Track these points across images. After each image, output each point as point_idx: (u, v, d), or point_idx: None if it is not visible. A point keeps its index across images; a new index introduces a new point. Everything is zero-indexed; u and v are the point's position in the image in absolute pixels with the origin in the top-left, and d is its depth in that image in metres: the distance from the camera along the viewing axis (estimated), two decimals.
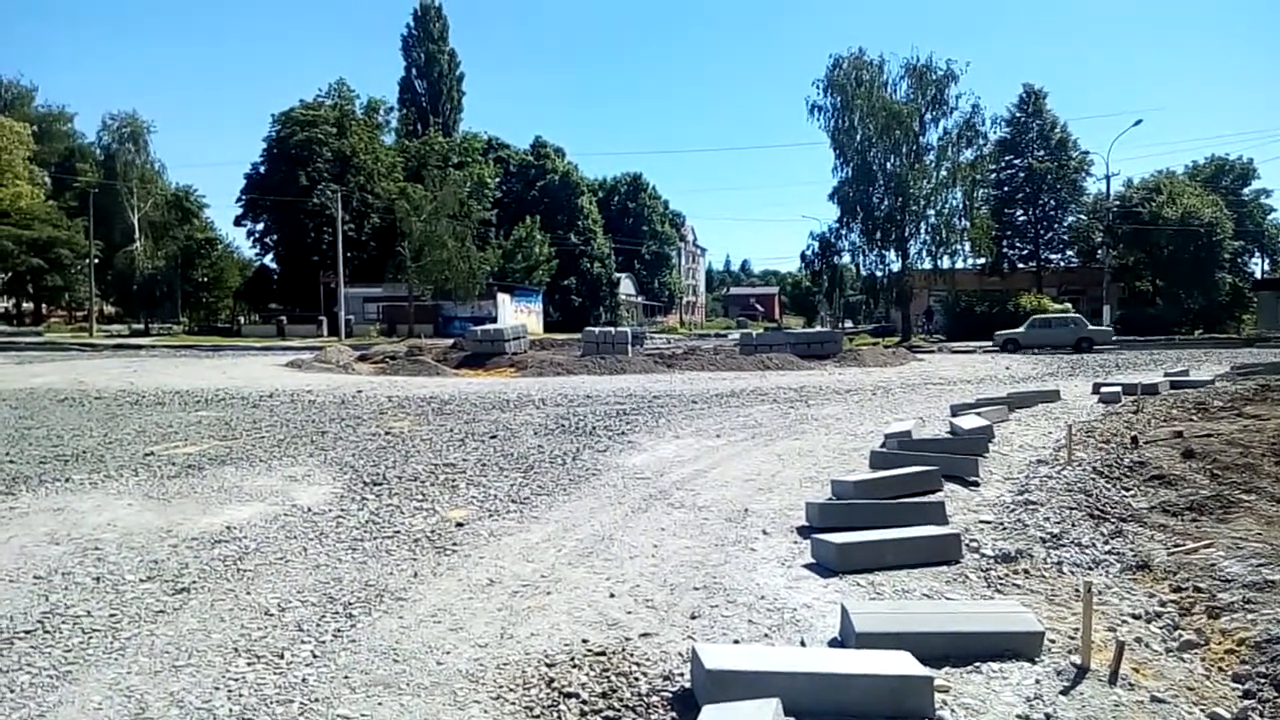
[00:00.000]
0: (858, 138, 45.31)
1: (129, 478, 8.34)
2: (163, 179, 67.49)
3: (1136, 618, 4.60)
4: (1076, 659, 3.88)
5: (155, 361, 29.41)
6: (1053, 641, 4.09)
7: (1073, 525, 6.25)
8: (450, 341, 33.84)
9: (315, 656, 4.01)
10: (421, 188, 55.88)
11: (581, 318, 70.05)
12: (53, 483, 8.12)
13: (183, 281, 60.88)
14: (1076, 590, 4.81)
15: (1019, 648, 3.93)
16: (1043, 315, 38.25)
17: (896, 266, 46.84)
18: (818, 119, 46.11)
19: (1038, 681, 3.70)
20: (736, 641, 4.14)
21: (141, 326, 58.44)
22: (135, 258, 60.33)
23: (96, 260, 56.83)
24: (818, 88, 45.80)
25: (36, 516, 6.81)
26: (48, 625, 4.45)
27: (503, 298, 59.93)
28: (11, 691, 3.67)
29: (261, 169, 65.40)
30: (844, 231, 47.66)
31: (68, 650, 4.12)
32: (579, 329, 38.80)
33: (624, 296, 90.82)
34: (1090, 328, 35.42)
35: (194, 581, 5.14)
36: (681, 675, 3.74)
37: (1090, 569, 5.36)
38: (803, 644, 4.13)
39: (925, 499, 6.86)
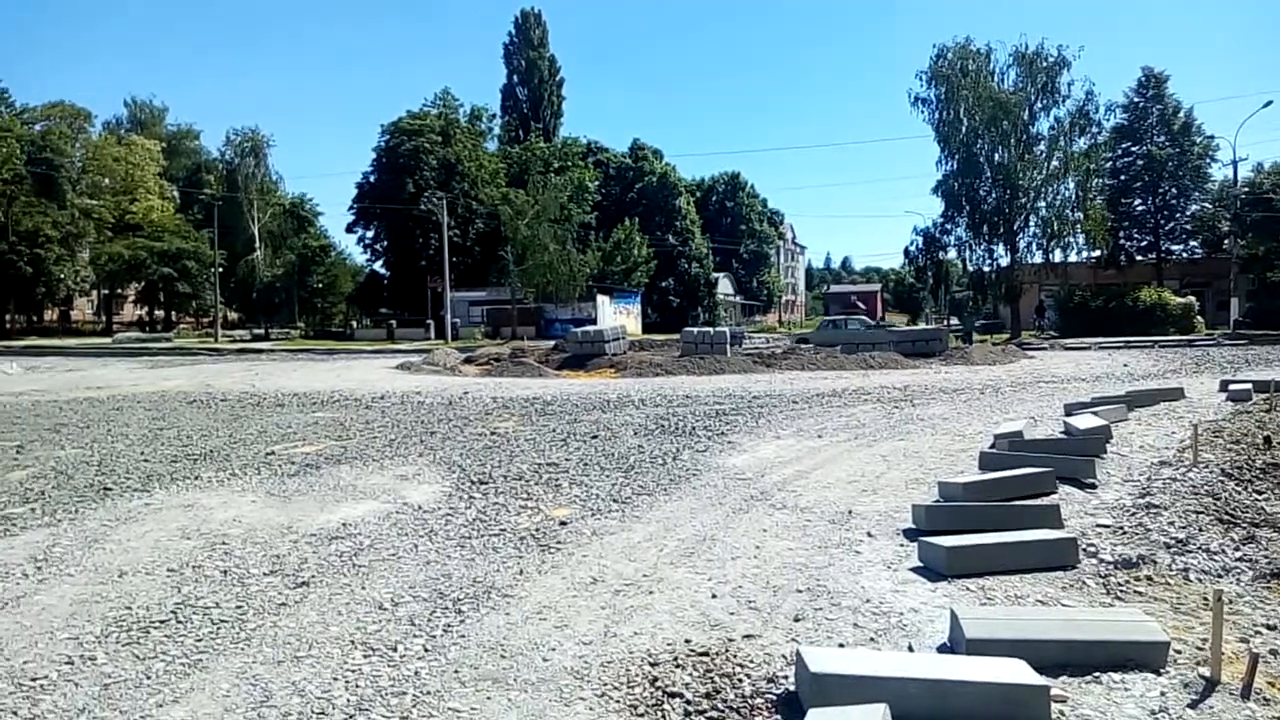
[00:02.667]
0: (963, 129, 43.95)
1: (252, 476, 8.77)
2: (280, 190, 70.67)
3: (1271, 628, 4.33)
4: (1205, 671, 3.68)
5: (274, 365, 30.82)
6: (1179, 652, 3.90)
7: (1200, 530, 5.93)
8: (552, 343, 34.36)
9: (427, 650, 4.15)
10: (524, 193, 56.95)
11: (679, 318, 70.11)
12: (183, 480, 8.61)
13: (299, 288, 63.67)
14: (1205, 599, 4.56)
15: (1142, 658, 3.76)
16: (831, 318, 40.23)
17: (1005, 261, 45.26)
18: (921, 111, 44.93)
19: (1163, 694, 3.53)
20: (841, 645, 4.09)
21: (262, 331, 61.34)
22: (256, 266, 63.40)
23: (221, 269, 59.90)
24: (921, 79, 44.65)
25: (169, 512, 7.23)
26: (180, 615, 4.72)
27: (602, 299, 60.48)
28: (148, 678, 3.91)
29: (371, 178, 67.80)
30: (949, 226, 46.29)
31: (198, 640, 4.37)
32: (677, 330, 38.80)
33: (722, 296, 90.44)
34: (879, 331, 35.62)
35: (313, 576, 5.37)
36: (786, 678, 3.71)
37: (1220, 576, 5.08)
38: (910, 649, 4.05)
39: (1038, 502, 6.62)
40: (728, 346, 26.12)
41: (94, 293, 74.65)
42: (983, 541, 5.28)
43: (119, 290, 73.37)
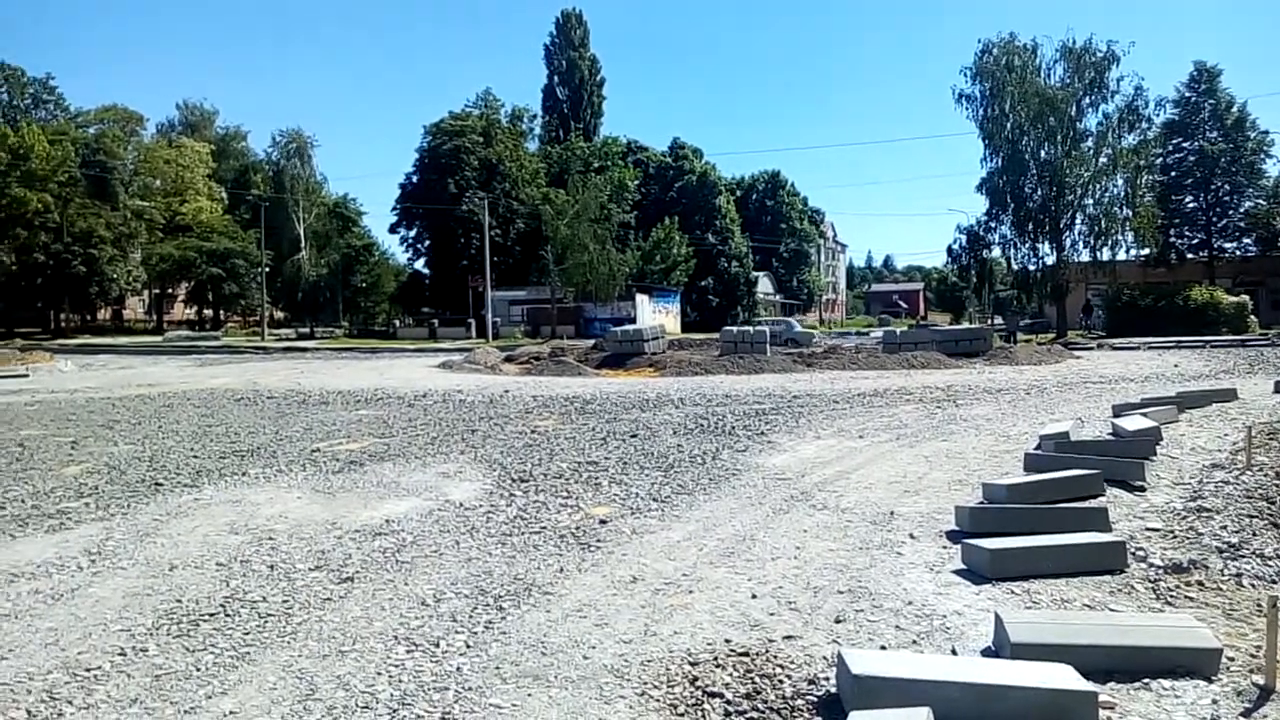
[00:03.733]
0: (1008, 126, 43.26)
1: (298, 472, 8.91)
2: (325, 191, 71.75)
3: None
4: (1259, 679, 3.60)
5: (319, 363, 31.29)
6: (1231, 659, 3.81)
7: (1254, 535, 5.78)
8: (591, 342, 34.47)
9: (468, 647, 4.18)
10: (564, 192, 57.22)
11: (719, 317, 69.87)
12: (231, 476, 8.78)
13: (343, 287, 64.54)
14: (1258, 605, 4.45)
15: (1192, 665, 3.68)
16: (761, 318, 38.40)
17: (1051, 259, 44.46)
18: (965, 108, 44.28)
19: (1214, 702, 3.45)
20: (883, 647, 4.06)
21: (307, 330, 62.31)
22: (301, 266, 64.44)
23: (267, 268, 60.94)
24: (965, 76, 44.00)
25: (218, 508, 7.38)
26: (228, 609, 4.81)
27: (641, 298, 60.53)
28: (198, 669, 4.00)
29: (414, 179, 68.56)
30: (993, 224, 45.57)
31: (246, 633, 4.45)
32: (716, 329, 38.73)
33: (762, 295, 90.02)
34: (798, 330, 36.22)
35: (357, 571, 5.45)
36: (827, 679, 3.69)
37: (1274, 582, 4.95)
38: (954, 652, 4.00)
39: (1085, 504, 6.50)
40: (767, 345, 26.00)
41: (145, 292, 76.36)
42: (1028, 544, 5.20)
43: (169, 289, 75.07)
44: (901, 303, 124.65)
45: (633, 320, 50.05)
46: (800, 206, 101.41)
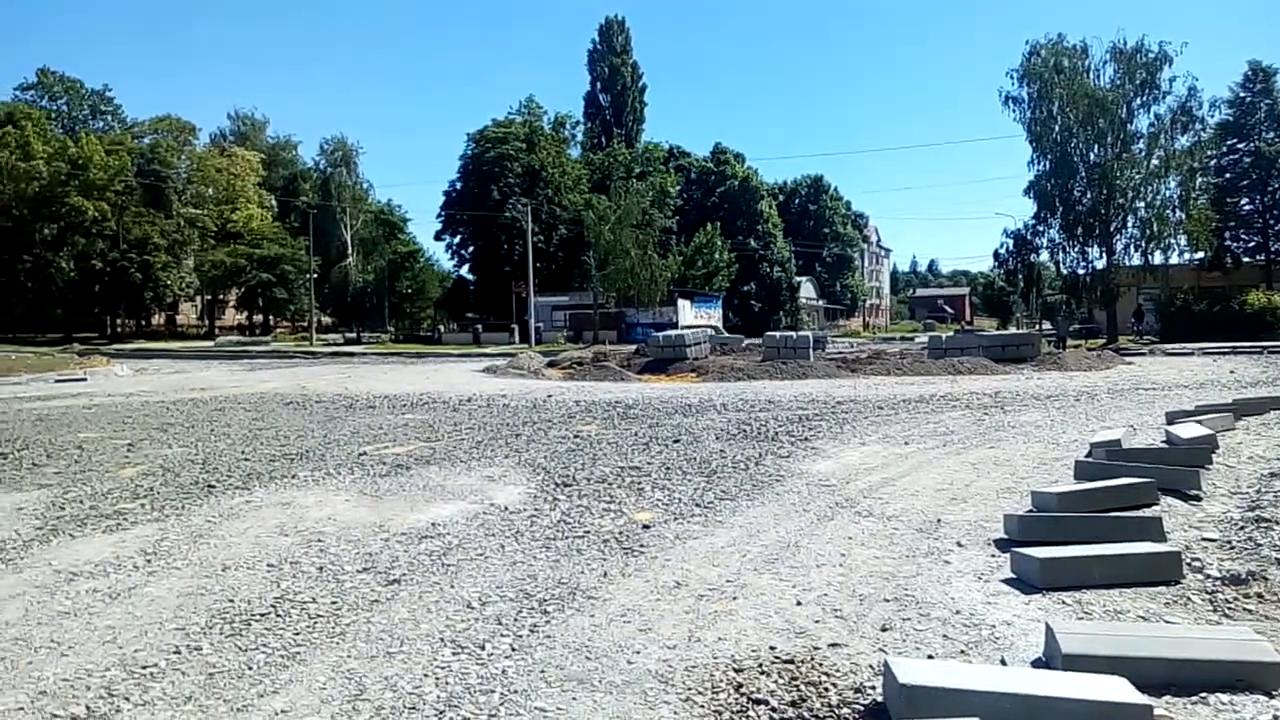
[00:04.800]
0: (1056, 128, 42.58)
1: (345, 476, 9.05)
2: (371, 198, 72.87)
3: None
4: None
5: (366, 368, 31.73)
6: None
7: None
8: (633, 347, 34.51)
9: (514, 650, 4.21)
10: (606, 198, 57.43)
11: (761, 322, 69.56)
12: (281, 479, 8.93)
13: (389, 293, 65.44)
14: None
15: (1253, 679, 3.58)
16: (690, 325, 41.20)
17: (1101, 263, 43.64)
18: (1012, 110, 43.68)
19: (1276, 717, 3.36)
20: (931, 656, 4.01)
21: (354, 335, 63.28)
22: (348, 272, 65.45)
23: (315, 275, 62.02)
24: (1012, 78, 43.42)
25: (268, 510, 7.51)
26: (279, 610, 4.90)
27: (683, 304, 60.49)
28: (250, 669, 4.07)
29: (458, 185, 69.30)
30: (1041, 228, 44.87)
31: (296, 633, 4.53)
32: (759, 334, 38.61)
33: (805, 300, 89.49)
34: (726, 335, 37.00)
35: (404, 574, 5.51)
36: (873, 688, 3.66)
37: None
38: (1003, 662, 3.94)
39: (1139, 513, 6.37)
40: (810, 351, 25.83)
41: (198, 298, 78.16)
42: (1079, 554, 5.10)
43: (221, 295, 76.73)
44: (947, 308, 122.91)
45: (675, 325, 50.07)
46: (843, 211, 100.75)
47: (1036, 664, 3.90)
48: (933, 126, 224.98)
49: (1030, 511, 6.52)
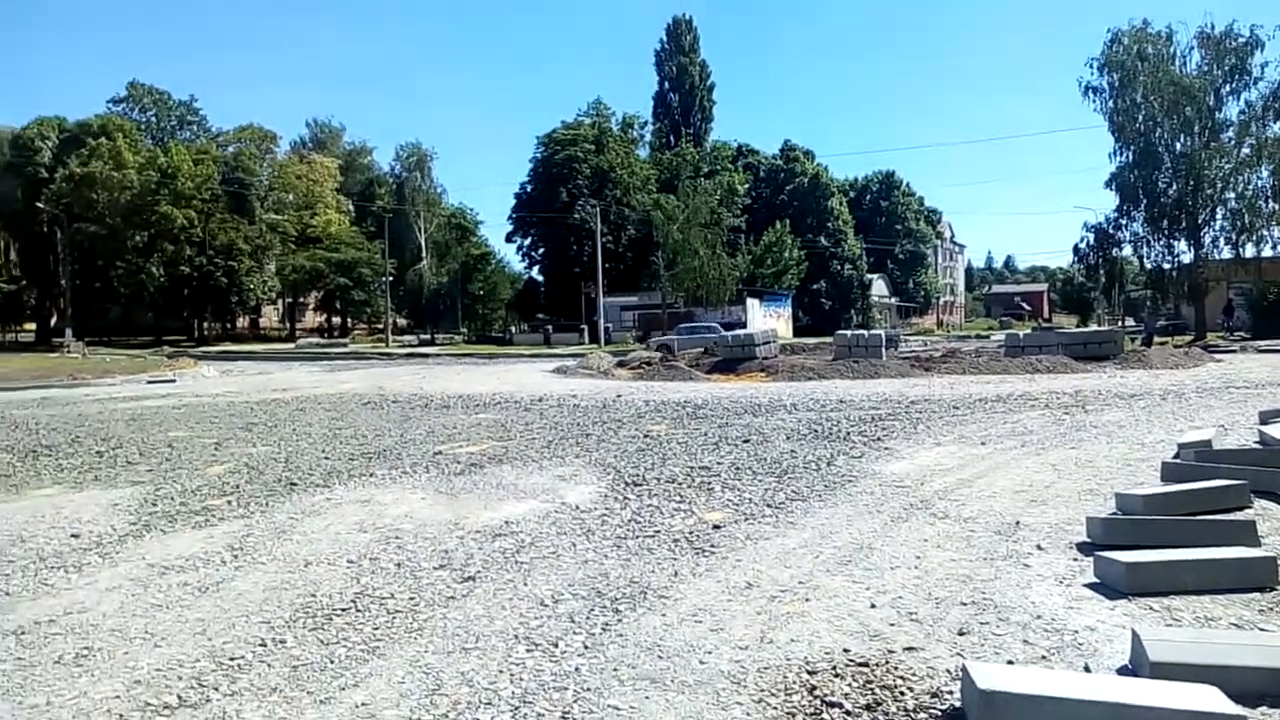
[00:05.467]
0: (1140, 118, 41.16)
1: (421, 474, 9.24)
2: (444, 202, 74.23)
3: None
4: None
5: (440, 368, 32.32)
6: None
7: None
8: (702, 347, 34.45)
9: (586, 648, 4.25)
10: (674, 198, 57.48)
11: (831, 321, 68.86)
12: (360, 477, 9.16)
13: (462, 295, 66.58)
14: None
15: None
16: (689, 323, 42.26)
17: (1188, 257, 42.04)
18: (1093, 101, 42.37)
19: None
20: (1010, 662, 3.91)
21: (428, 336, 64.56)
22: (423, 274, 66.82)
23: (391, 278, 63.44)
24: (1092, 67, 42.10)
25: (348, 507, 7.71)
26: (359, 605, 5.03)
27: (752, 303, 60.22)
28: (332, 662, 4.19)
29: (528, 188, 70.24)
30: (1124, 221, 43.43)
31: (375, 628, 4.64)
32: (829, 333, 38.29)
33: (876, 298, 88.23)
34: (729, 335, 36.08)
35: (479, 571, 5.61)
36: (951, 693, 3.59)
37: None
38: (1087, 669, 3.82)
39: (1230, 517, 6.11)
40: (883, 349, 25.43)
41: (279, 301, 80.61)
42: (1167, 558, 4.93)
43: (301, 298, 79.02)
44: (1024, 305, 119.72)
45: (743, 325, 49.84)
46: (916, 207, 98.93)
47: (1122, 672, 3.77)
48: (1008, 119, 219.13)
49: (1114, 514, 6.31)
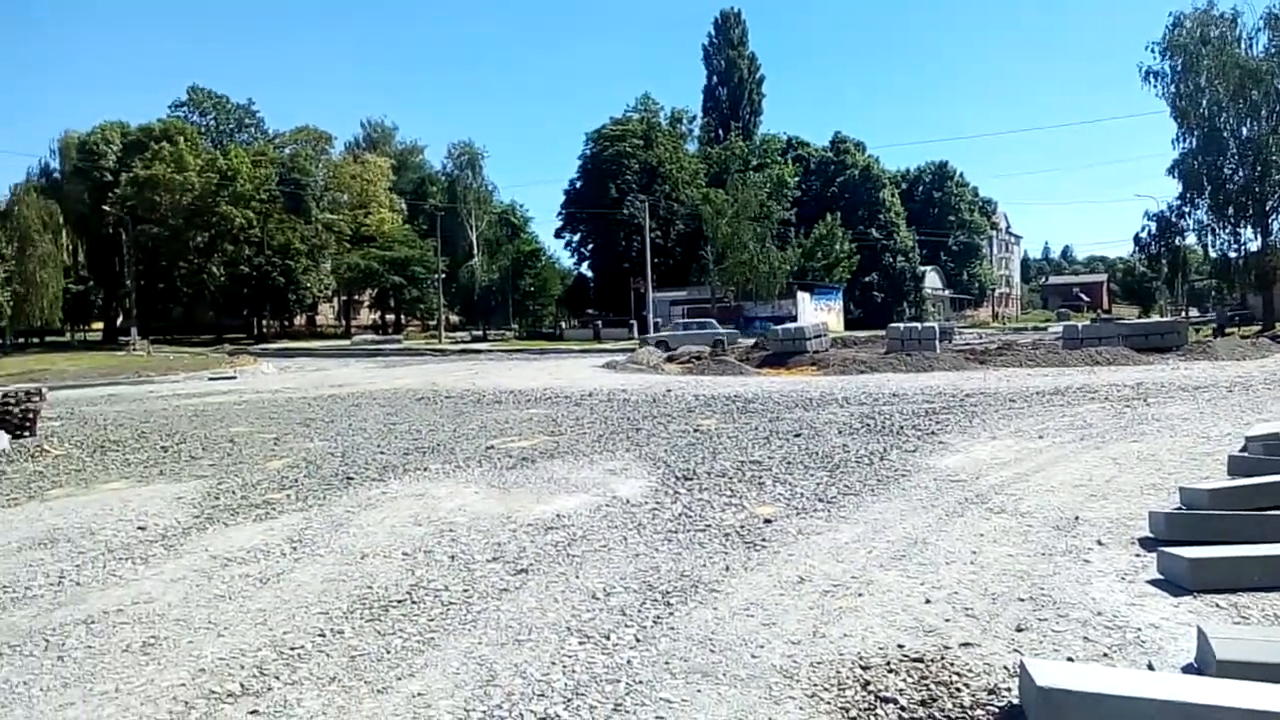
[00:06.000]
0: (1204, 103, 39.88)
1: (474, 468, 9.35)
2: (495, 199, 74.88)
3: None
4: None
5: (492, 364, 32.65)
6: None
7: None
8: (752, 341, 34.32)
9: (638, 641, 4.26)
10: (723, 192, 57.25)
11: (883, 314, 67.97)
12: (414, 471, 9.30)
13: (513, 291, 67.09)
14: None
15: None
16: (685, 320, 41.87)
17: (1255, 245, 40.64)
18: (1154, 86, 41.15)
19: None
20: (1070, 659, 3.83)
21: (480, 333, 65.19)
22: (474, 271, 67.48)
23: (443, 275, 64.20)
24: (1153, 51, 40.92)
25: (403, 501, 7.84)
26: (414, 596, 5.10)
27: (802, 296, 59.77)
28: (388, 653, 4.26)
29: (577, 184, 70.57)
30: (1187, 209, 42.15)
31: (430, 619, 4.71)
32: (881, 326, 37.84)
33: (929, 291, 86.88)
34: (723, 331, 38.05)
35: (531, 564, 5.66)
36: (1008, 690, 3.53)
37: None
38: (1150, 668, 3.73)
39: None
40: (936, 342, 25.07)
41: (335, 299, 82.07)
42: (1233, 554, 4.78)
43: (356, 296, 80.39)
44: (1082, 296, 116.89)
45: (794, 318, 49.52)
46: (970, 197, 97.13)
47: (1187, 670, 3.68)
48: (1064, 107, 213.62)
49: (1179, 509, 6.14)
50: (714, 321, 41.10)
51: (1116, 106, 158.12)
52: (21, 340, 56.34)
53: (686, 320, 42.33)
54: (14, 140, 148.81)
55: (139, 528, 7.19)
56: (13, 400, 12.91)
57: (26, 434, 12.79)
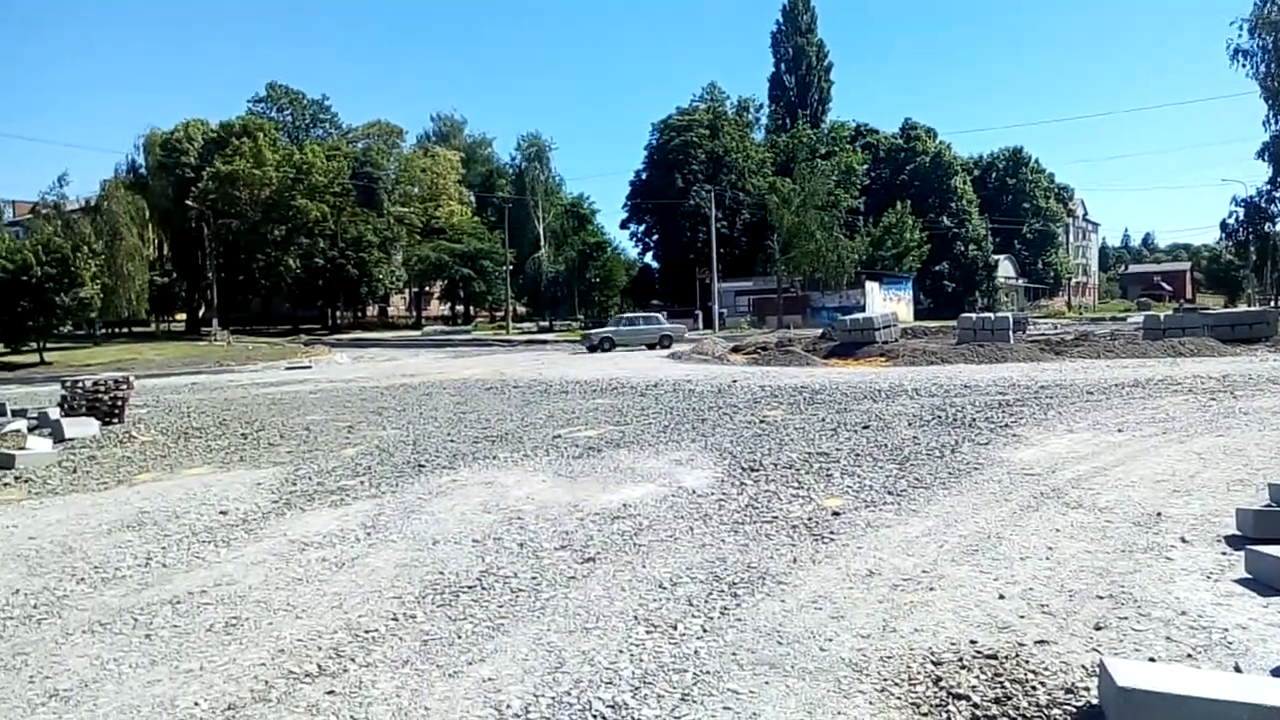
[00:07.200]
0: None
1: (542, 457, 9.45)
2: (562, 191, 75.36)
3: None
4: None
5: (558, 354, 32.93)
6: None
7: None
8: (819, 331, 33.97)
9: (705, 631, 4.27)
10: (790, 181, 56.66)
11: (955, 304, 66.62)
12: (484, 459, 9.45)
13: (579, 282, 67.50)
14: None
15: None
16: (630, 314, 40.82)
17: None
18: (1242, 64, 39.47)
19: None
20: (1152, 659, 3.72)
21: (547, 324, 65.77)
22: (541, 263, 68.11)
23: (510, 267, 64.92)
24: (1240, 28, 39.22)
25: (472, 489, 7.97)
26: (484, 583, 5.19)
27: (871, 286, 58.86)
28: (459, 637, 4.35)
29: (643, 175, 70.62)
30: (1278, 194, 40.38)
31: (500, 606, 4.79)
32: (952, 316, 37.03)
33: (1002, 280, 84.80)
34: (668, 326, 37.37)
35: (598, 553, 5.70)
36: (1087, 690, 3.44)
37: None
38: (1237, 669, 3.60)
39: None
40: (1010, 333, 24.45)
41: (406, 290, 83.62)
42: None
43: (426, 288, 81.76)
44: (1164, 284, 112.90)
45: (862, 308, 48.81)
46: (1045, 184, 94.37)
47: (1277, 673, 3.54)
48: (1146, 88, 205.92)
49: (1269, 506, 5.89)
50: (659, 317, 39.90)
51: (1201, 87, 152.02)
52: (110, 331, 58.67)
53: (632, 315, 40.81)
54: (103, 138, 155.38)
55: (221, 512, 7.46)
56: (103, 388, 13.49)
57: (115, 421, 13.35)
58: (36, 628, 4.81)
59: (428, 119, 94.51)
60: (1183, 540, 5.45)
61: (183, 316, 70.75)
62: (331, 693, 3.77)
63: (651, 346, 35.21)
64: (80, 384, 13.62)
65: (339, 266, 64.62)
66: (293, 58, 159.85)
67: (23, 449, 10.70)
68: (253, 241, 62.08)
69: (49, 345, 39.33)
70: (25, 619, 4.96)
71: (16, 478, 9.54)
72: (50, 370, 32.23)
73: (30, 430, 12.38)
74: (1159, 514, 6.10)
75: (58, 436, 11.82)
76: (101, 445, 11.63)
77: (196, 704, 3.73)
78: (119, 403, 13.60)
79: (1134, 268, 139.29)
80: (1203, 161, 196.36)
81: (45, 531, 7.08)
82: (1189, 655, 3.78)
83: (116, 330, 59.79)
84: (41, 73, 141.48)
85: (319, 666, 4.06)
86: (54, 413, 13.14)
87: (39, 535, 6.96)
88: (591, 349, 34.99)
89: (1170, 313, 37.10)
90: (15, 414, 14.22)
